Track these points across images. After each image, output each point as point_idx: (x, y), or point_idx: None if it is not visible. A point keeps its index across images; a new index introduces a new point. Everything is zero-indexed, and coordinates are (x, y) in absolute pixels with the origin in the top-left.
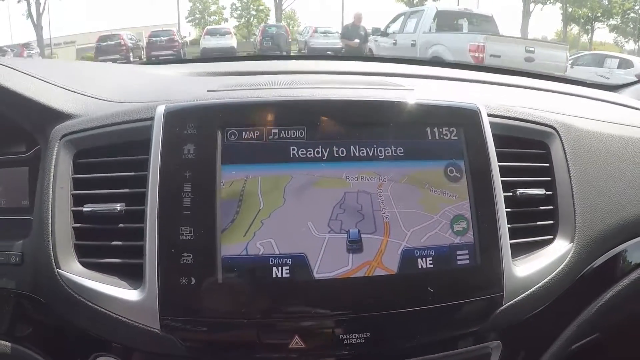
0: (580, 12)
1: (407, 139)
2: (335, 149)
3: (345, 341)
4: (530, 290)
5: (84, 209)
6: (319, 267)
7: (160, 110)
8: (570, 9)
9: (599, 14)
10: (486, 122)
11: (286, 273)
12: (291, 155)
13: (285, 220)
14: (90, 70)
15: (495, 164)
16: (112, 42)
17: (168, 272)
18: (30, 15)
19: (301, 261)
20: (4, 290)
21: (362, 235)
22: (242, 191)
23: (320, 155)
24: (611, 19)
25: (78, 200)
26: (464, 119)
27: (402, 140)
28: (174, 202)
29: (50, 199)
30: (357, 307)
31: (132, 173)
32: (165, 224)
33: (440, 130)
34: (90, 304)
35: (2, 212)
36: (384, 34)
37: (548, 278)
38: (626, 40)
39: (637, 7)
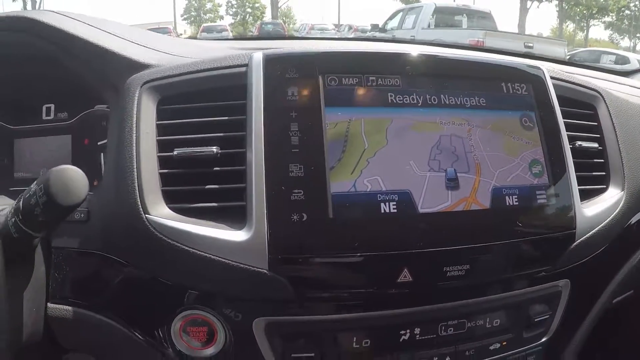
0: (576, 9)
1: (487, 91)
2: (428, 96)
3: (448, 273)
4: (595, 229)
5: (175, 153)
6: (422, 202)
7: (258, 56)
8: (566, 6)
9: (595, 11)
10: (549, 80)
11: (393, 208)
12: (389, 101)
13: (389, 159)
14: (149, 34)
15: (560, 117)
16: None
17: (278, 209)
18: None
19: (406, 197)
20: (64, 250)
21: (458, 174)
22: (347, 132)
23: (415, 101)
24: (606, 16)
25: (164, 146)
26: (532, 76)
27: (483, 92)
28: (281, 141)
29: (135, 144)
30: (459, 239)
31: (227, 117)
32: (274, 162)
33: (513, 85)
34: (187, 248)
35: None
36: (382, 30)
37: (608, 219)
38: (621, 37)
39: (632, 5)
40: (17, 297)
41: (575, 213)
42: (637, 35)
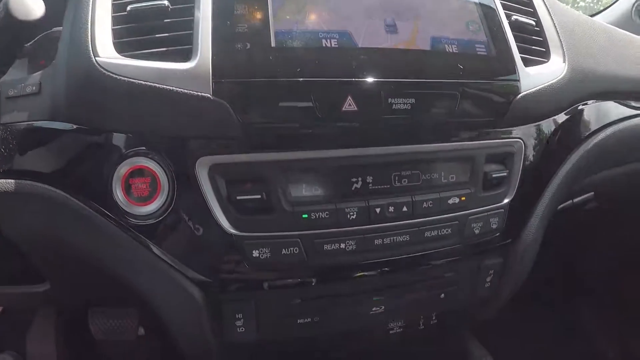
0: None
1: None
2: None
3: (394, 106)
4: (540, 86)
5: (128, 9)
6: (362, 40)
7: None
8: None
9: None
10: None
11: (334, 44)
12: None
13: (330, 9)
14: None
15: None
16: None
17: (222, 39)
18: None
19: (347, 36)
20: (12, 126)
21: (397, 22)
22: None
23: None
24: None
25: (118, 7)
26: None
27: None
28: None
29: (90, 9)
30: (401, 72)
31: None
32: (220, 6)
33: None
34: (132, 80)
35: None
36: None
37: (553, 81)
38: None
39: None
40: None
41: (517, 67)
42: None
